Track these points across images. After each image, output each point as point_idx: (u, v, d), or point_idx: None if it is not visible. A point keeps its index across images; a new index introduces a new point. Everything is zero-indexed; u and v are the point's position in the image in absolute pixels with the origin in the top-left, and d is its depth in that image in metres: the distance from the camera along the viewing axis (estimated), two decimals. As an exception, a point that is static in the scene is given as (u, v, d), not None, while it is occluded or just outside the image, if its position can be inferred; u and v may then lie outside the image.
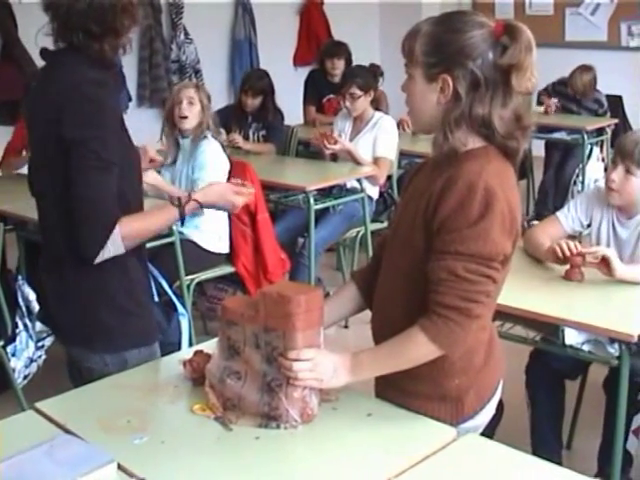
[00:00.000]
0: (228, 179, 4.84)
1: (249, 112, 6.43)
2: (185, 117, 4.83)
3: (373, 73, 6.14)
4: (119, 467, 1.93)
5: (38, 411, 2.24)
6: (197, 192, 2.72)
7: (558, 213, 3.59)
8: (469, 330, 2.07)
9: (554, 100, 7.42)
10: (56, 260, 2.57)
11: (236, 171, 4.85)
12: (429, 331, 2.06)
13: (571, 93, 7.40)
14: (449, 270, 2.02)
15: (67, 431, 2.10)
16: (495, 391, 2.31)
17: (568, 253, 3.19)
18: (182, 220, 2.68)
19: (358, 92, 5.71)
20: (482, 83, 2.04)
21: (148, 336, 2.66)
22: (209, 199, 2.69)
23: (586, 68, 7.25)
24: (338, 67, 7.19)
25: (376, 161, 5.67)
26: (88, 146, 2.36)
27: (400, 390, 2.22)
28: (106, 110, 2.41)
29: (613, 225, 3.45)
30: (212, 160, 4.74)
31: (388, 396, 2.26)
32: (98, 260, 2.41)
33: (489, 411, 2.30)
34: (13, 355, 3.63)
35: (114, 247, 2.41)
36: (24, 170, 5.22)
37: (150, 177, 4.50)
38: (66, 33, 2.44)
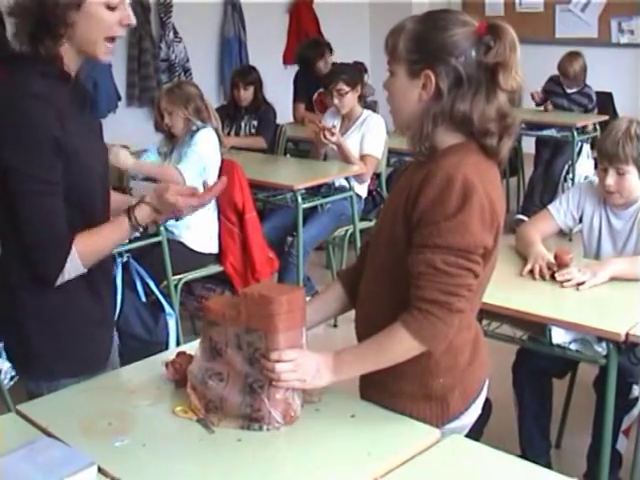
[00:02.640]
0: (219, 176, 4.83)
1: (243, 107, 6.51)
2: (168, 128, 4.86)
3: (358, 70, 6.13)
4: (99, 470, 1.91)
5: (20, 414, 2.23)
6: (148, 195, 2.43)
7: (550, 207, 3.58)
8: (451, 325, 2.06)
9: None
10: None
11: (223, 170, 4.83)
12: (410, 326, 2.04)
13: (560, 89, 7.40)
14: (428, 263, 2.01)
15: (48, 434, 2.09)
16: (480, 391, 2.30)
17: (547, 278, 3.20)
18: (144, 229, 2.49)
19: (345, 88, 5.72)
20: (464, 80, 2.04)
21: (90, 366, 2.47)
22: (158, 203, 2.40)
23: (575, 54, 7.27)
24: (328, 63, 7.23)
25: (363, 158, 5.67)
26: (23, 169, 2.19)
27: (384, 390, 2.21)
28: (40, 127, 2.18)
29: (607, 216, 3.44)
30: (198, 152, 4.70)
31: (372, 396, 2.25)
32: (59, 282, 2.29)
33: (475, 411, 2.29)
34: (-1, 356, 3.61)
35: (74, 267, 2.28)
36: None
37: (129, 162, 4.53)
38: (20, 36, 2.28)
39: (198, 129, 4.76)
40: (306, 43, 8.07)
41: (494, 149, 2.10)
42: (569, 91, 7.42)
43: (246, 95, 6.47)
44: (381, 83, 2.17)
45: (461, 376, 2.21)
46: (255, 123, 6.51)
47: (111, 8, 2.23)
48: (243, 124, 6.51)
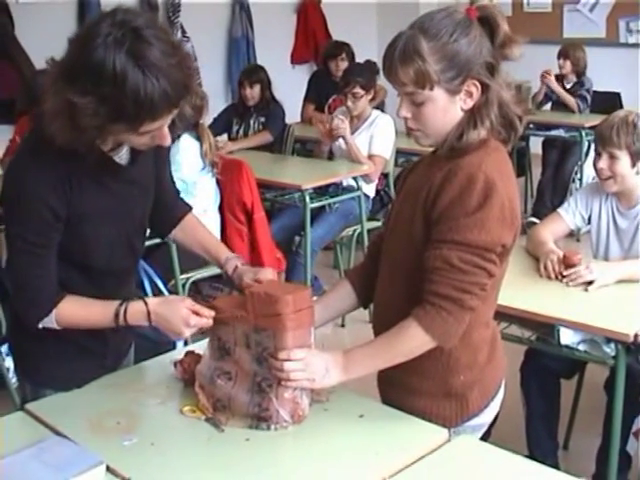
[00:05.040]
0: (218, 181, 4.83)
1: (251, 105, 6.54)
2: None
3: (373, 72, 6.11)
4: (108, 469, 1.91)
5: (28, 412, 2.23)
6: (153, 299, 2.26)
7: (560, 209, 3.60)
8: (462, 321, 2.06)
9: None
10: None
11: (232, 170, 4.83)
12: (422, 320, 2.04)
13: (560, 87, 7.39)
14: (444, 259, 2.01)
15: (57, 433, 2.09)
16: (499, 389, 2.31)
17: (553, 276, 3.20)
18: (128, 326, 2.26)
19: (361, 92, 5.70)
20: (496, 66, 2.05)
21: (65, 382, 2.39)
22: (161, 314, 2.19)
23: (577, 45, 7.33)
24: (342, 67, 7.18)
25: (371, 158, 5.66)
26: (14, 230, 2.19)
27: (404, 388, 2.22)
28: (32, 198, 2.13)
29: (613, 216, 3.44)
30: (184, 159, 4.68)
31: (391, 394, 2.26)
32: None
33: (493, 409, 2.30)
34: (7, 355, 3.61)
35: (50, 322, 2.23)
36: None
37: None
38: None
39: (178, 136, 4.71)
40: (332, 42, 8.22)
41: (516, 135, 2.12)
42: (568, 86, 7.41)
43: (253, 93, 6.49)
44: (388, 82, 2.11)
45: (480, 374, 2.22)
46: (263, 120, 6.53)
47: (141, 134, 2.06)
48: (252, 122, 6.55)
